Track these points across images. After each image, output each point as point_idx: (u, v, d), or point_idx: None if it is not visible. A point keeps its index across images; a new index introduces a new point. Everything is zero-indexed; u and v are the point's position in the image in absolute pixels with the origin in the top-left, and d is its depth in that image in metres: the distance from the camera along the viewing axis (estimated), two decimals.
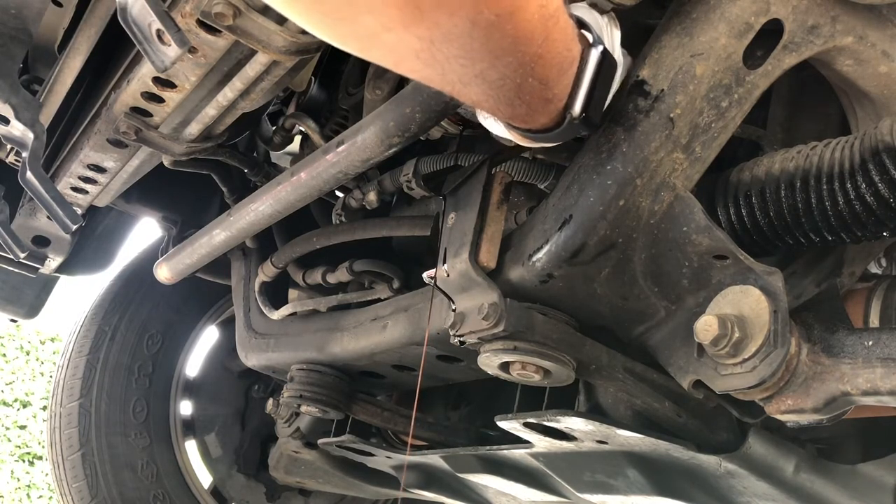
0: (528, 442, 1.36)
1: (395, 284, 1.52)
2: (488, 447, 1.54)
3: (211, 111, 1.33)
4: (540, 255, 1.01)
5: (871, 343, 0.92)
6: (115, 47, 1.37)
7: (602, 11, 0.94)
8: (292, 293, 1.74)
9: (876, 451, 1.30)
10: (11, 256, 1.80)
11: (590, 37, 0.83)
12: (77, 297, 2.85)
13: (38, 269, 2.05)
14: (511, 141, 0.95)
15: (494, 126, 0.94)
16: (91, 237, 2.33)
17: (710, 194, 1.05)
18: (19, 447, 6.54)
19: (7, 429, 6.65)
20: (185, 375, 2.57)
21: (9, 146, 1.65)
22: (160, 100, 1.27)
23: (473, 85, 0.73)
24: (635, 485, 1.37)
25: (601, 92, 0.84)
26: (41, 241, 1.93)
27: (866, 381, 0.89)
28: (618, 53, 0.92)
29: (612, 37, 0.91)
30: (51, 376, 5.17)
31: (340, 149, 1.18)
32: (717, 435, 1.25)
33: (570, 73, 0.79)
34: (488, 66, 0.70)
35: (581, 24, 0.83)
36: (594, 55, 0.80)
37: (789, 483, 1.22)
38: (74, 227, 1.40)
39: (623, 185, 0.94)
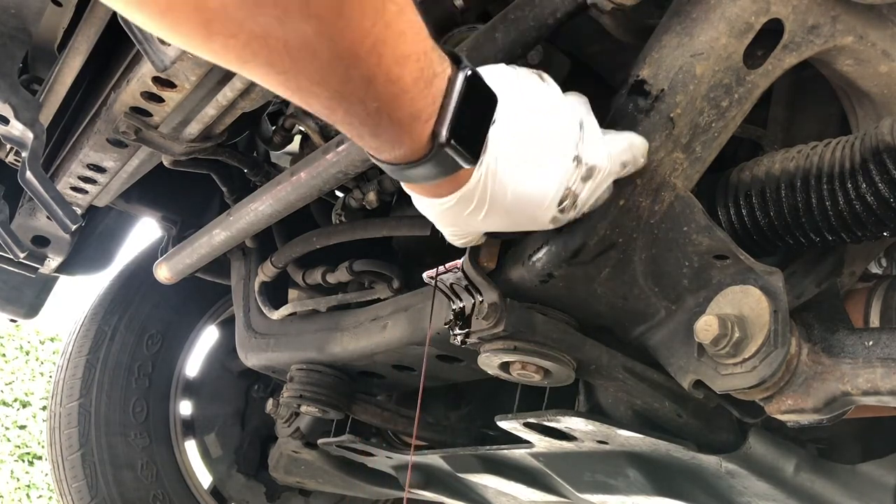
0: (528, 442, 1.36)
1: (395, 284, 1.51)
2: (488, 447, 1.54)
3: (211, 111, 1.33)
4: (540, 254, 1.00)
5: (871, 343, 0.93)
6: (115, 47, 1.37)
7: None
8: (292, 293, 1.73)
9: (876, 451, 1.30)
10: (11, 256, 1.80)
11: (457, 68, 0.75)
12: (77, 297, 2.85)
13: (37, 269, 2.05)
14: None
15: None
16: (91, 237, 2.32)
17: (711, 194, 1.05)
18: (19, 447, 6.53)
19: (7, 429, 6.63)
20: (184, 375, 2.57)
21: (8, 146, 1.65)
22: (160, 100, 1.27)
23: (309, 67, 0.63)
24: (635, 485, 1.36)
25: (475, 118, 0.77)
26: (41, 241, 1.92)
27: (866, 381, 0.89)
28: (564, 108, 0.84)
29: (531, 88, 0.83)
30: (50, 376, 5.16)
31: (340, 149, 1.18)
32: (718, 435, 1.25)
33: (432, 87, 0.72)
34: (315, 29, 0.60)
35: (453, 56, 0.76)
36: (460, 77, 0.74)
37: (790, 483, 1.22)
38: (74, 227, 1.40)
39: (623, 185, 0.94)
